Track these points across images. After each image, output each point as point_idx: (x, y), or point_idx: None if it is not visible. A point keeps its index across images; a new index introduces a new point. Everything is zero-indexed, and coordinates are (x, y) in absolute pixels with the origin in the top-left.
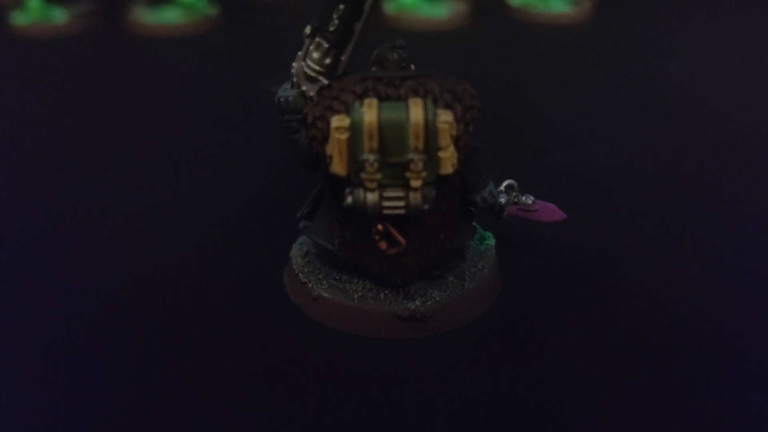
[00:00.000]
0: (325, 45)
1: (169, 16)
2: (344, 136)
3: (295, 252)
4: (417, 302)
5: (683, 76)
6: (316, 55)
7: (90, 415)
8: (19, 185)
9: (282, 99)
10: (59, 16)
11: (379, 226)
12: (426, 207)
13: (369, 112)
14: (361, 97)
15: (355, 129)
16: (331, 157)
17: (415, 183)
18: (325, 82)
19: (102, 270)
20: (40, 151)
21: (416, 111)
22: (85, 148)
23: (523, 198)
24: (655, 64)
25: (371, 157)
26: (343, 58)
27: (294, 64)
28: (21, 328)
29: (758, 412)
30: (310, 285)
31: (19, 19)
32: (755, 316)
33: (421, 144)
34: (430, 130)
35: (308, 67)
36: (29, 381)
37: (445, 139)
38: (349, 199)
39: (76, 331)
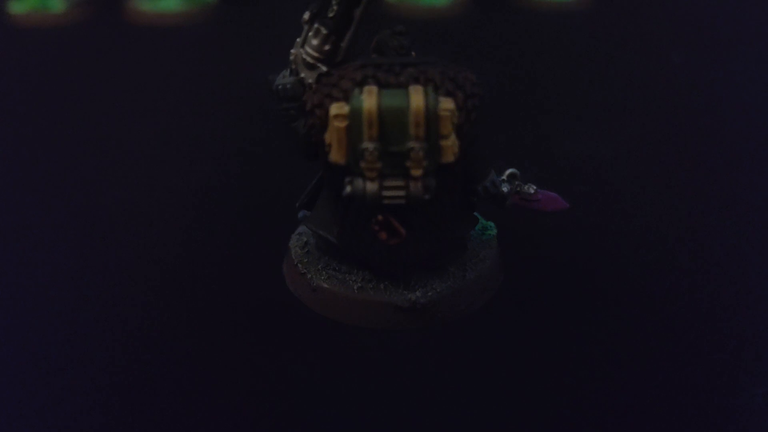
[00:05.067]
0: (325, 31)
1: (168, 4)
2: (343, 124)
3: (294, 242)
4: (417, 293)
5: (686, 66)
6: (315, 41)
7: (88, 412)
8: (16, 176)
9: (280, 86)
10: (57, 5)
11: (379, 217)
12: (427, 197)
13: (368, 100)
14: (360, 84)
15: (354, 117)
16: (330, 146)
17: (416, 172)
18: (324, 69)
19: (99, 262)
20: (38, 141)
21: (417, 98)
22: (84, 138)
23: (526, 187)
24: (657, 52)
25: (371, 146)
26: (342, 44)
27: (293, 51)
28: (19, 327)
29: (762, 404)
30: (309, 275)
31: (17, 7)
32: (760, 308)
33: (421, 132)
34: (431, 118)
35: (307, 53)
36: (27, 380)
37: (446, 128)
38: (349, 189)
39: (74, 325)
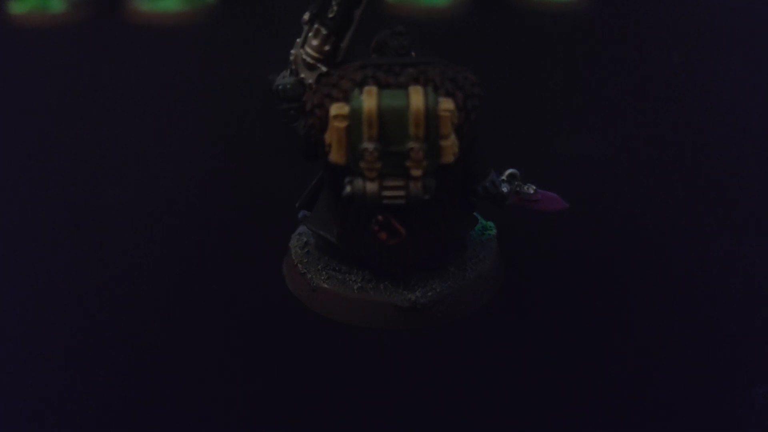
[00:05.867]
0: (324, 32)
1: (168, 4)
2: (343, 124)
3: (294, 242)
4: (417, 293)
5: (686, 66)
6: (315, 42)
7: (87, 413)
8: (16, 175)
9: (280, 87)
10: (57, 5)
11: (379, 217)
12: (426, 197)
13: (368, 100)
14: (360, 84)
15: (354, 117)
16: (330, 146)
17: (416, 172)
18: (324, 69)
19: (98, 261)
20: (38, 141)
21: (416, 99)
22: (83, 138)
23: (525, 187)
24: (657, 52)
25: (371, 146)
26: (342, 45)
27: (293, 51)
28: (19, 328)
29: (762, 403)
30: (309, 276)
31: (17, 7)
32: (760, 308)
33: (421, 132)
34: (430, 118)
35: (307, 54)
36: (26, 381)
37: (446, 128)
38: (349, 189)
39: (73, 326)
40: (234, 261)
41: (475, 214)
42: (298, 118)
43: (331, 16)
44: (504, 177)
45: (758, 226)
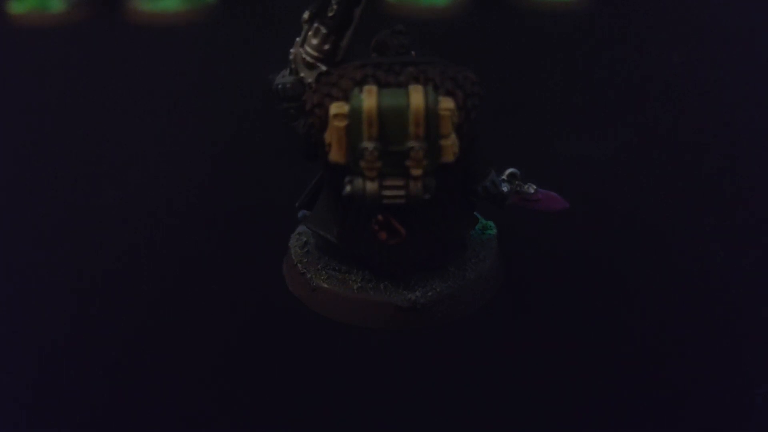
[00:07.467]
0: (324, 31)
1: (168, 4)
2: (343, 123)
3: (294, 242)
4: (417, 293)
5: (686, 66)
6: (314, 41)
7: (87, 413)
8: (16, 175)
9: (280, 86)
10: (57, 5)
11: (379, 217)
12: (427, 196)
13: (368, 99)
14: (360, 83)
15: (354, 116)
16: (329, 145)
17: (416, 172)
18: (324, 68)
19: (98, 262)
20: (38, 141)
21: (417, 98)
22: (83, 138)
23: (526, 187)
24: (658, 52)
25: (371, 145)
26: (342, 44)
27: (292, 51)
28: (18, 328)
29: (762, 403)
30: (309, 275)
31: (17, 7)
32: (759, 309)
33: (421, 131)
34: (430, 117)
35: (307, 53)
36: (26, 381)
37: (446, 127)
38: (348, 188)
39: (73, 326)
40: (234, 261)
41: (475, 214)
42: (298, 117)
43: (330, 15)
44: (504, 177)
45: (758, 226)
